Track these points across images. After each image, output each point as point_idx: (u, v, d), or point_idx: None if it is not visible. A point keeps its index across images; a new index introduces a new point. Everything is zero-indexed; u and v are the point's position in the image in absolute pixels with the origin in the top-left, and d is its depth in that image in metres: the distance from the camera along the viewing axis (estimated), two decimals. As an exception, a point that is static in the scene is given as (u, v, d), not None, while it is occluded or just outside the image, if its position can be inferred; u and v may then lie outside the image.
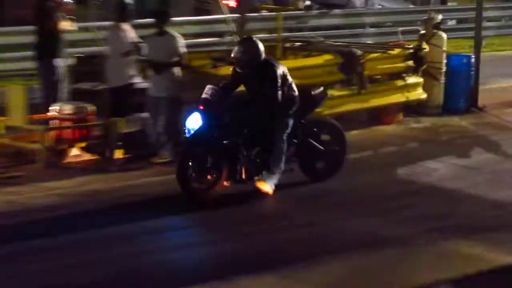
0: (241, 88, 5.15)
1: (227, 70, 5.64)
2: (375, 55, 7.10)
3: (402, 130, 7.10)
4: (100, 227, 4.47)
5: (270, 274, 3.64)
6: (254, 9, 10.66)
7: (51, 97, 6.12)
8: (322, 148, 5.18)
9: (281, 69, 5.05)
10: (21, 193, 5.23)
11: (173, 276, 3.76)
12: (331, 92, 6.11)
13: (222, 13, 9.43)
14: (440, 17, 8.20)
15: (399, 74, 7.24)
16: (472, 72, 7.82)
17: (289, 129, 5.05)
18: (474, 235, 4.21)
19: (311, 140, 5.20)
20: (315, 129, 5.24)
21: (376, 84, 6.93)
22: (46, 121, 5.94)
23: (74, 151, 5.82)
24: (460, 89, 7.81)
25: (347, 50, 6.87)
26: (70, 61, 6.84)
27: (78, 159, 5.84)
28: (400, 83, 7.14)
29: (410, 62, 7.18)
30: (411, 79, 7.19)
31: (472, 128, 7.41)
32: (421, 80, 7.31)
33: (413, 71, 7.25)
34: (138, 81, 6.02)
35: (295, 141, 5.10)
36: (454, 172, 5.73)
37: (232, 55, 5.17)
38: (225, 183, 4.97)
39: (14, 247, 4.02)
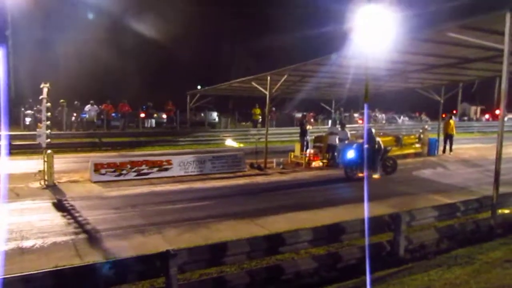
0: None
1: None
2: (406, 136, 20.54)
3: (411, 162, 19.39)
4: (308, 186, 14.12)
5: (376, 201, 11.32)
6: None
7: (305, 147, 19.14)
8: (389, 164, 16.00)
9: (378, 139, 15.33)
10: (297, 174, 16.53)
11: (335, 201, 11.98)
12: (393, 148, 19.38)
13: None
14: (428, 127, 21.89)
15: (414, 143, 20.64)
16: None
17: (380, 156, 15.16)
18: (438, 193, 12.73)
19: (386, 162, 15.93)
20: (387, 158, 16.03)
21: (405, 145, 20.22)
22: (304, 155, 18.66)
23: (314, 164, 18.25)
24: (433, 146, 21.16)
25: (397, 135, 20.35)
26: (311, 138, 19.78)
27: (315, 166, 18.15)
28: (414, 146, 20.54)
29: (417, 139, 20.64)
30: (418, 144, 20.61)
31: (434, 160, 20.10)
32: (420, 145, 20.73)
33: (419, 141, 20.69)
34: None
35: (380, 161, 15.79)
36: (430, 173, 17.09)
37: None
38: (359, 174, 14.94)
39: (278, 191, 13.43)
